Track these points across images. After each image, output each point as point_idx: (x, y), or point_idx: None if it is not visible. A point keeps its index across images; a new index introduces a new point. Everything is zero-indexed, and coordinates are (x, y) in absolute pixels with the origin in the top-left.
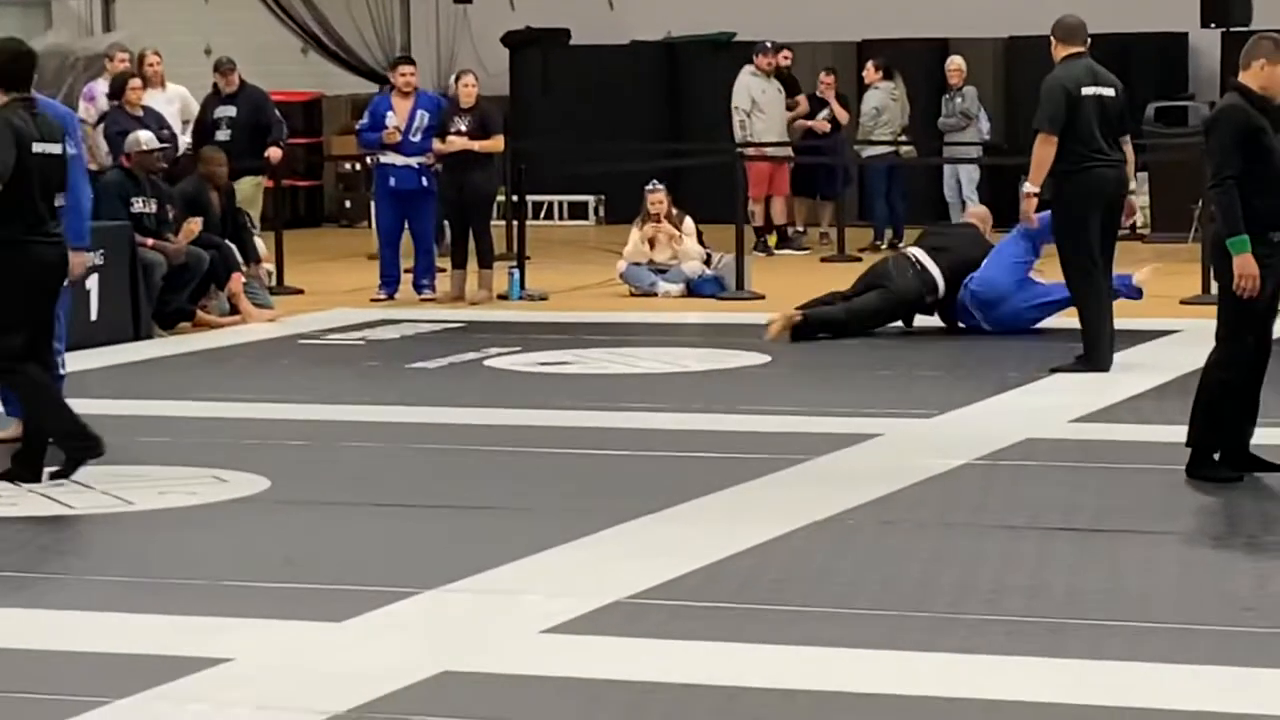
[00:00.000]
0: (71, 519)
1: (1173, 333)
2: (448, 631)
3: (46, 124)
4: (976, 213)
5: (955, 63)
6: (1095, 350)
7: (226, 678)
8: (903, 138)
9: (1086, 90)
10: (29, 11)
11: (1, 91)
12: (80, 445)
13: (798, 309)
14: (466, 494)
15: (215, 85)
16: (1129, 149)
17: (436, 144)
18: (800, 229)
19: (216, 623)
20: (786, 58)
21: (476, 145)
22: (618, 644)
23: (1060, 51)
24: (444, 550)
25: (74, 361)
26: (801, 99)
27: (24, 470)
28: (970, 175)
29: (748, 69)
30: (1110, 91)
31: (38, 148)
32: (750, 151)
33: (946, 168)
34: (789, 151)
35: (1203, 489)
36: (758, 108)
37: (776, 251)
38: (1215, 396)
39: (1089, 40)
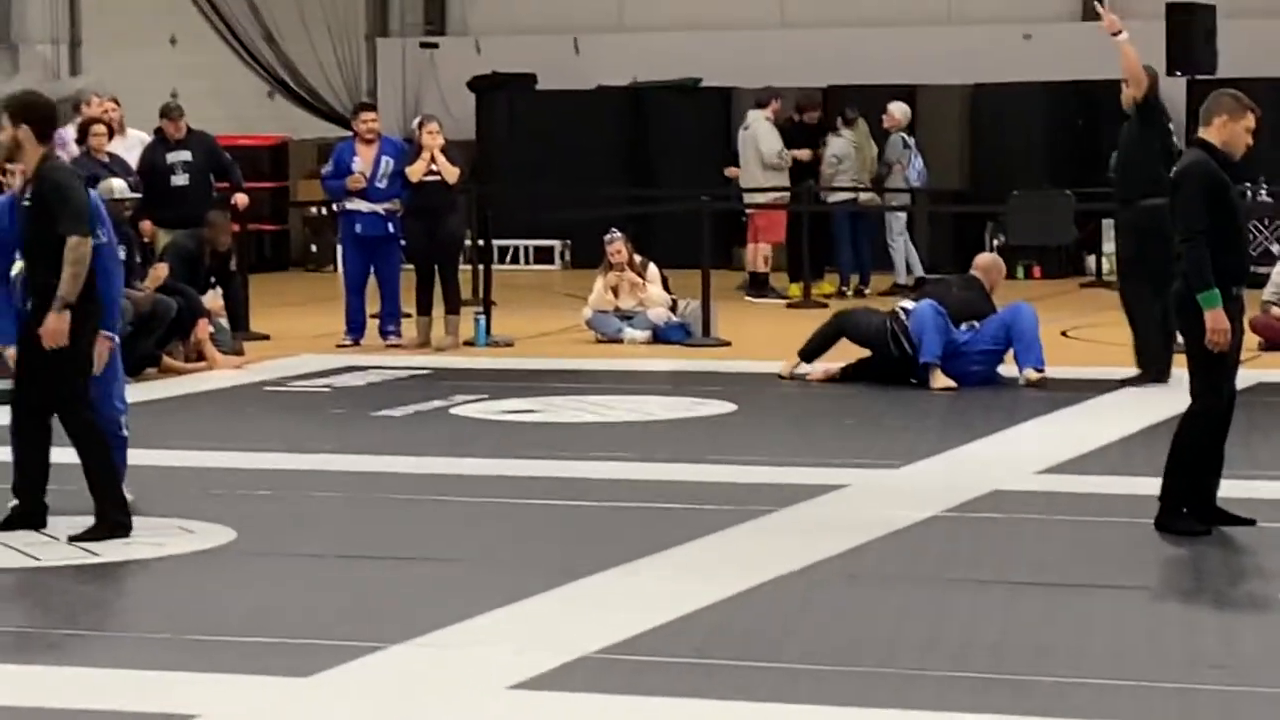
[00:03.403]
0: (37, 571)
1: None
2: (415, 687)
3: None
4: (981, 263)
5: (890, 108)
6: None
7: None
8: (864, 184)
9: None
10: None
11: (35, 143)
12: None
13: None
14: (433, 545)
15: (159, 131)
16: None
17: (410, 171)
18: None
19: (182, 677)
20: (814, 116)
21: (444, 165)
22: (584, 700)
23: None
24: (411, 603)
25: None
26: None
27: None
28: (890, 223)
29: (763, 114)
30: None
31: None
32: (763, 198)
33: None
34: (786, 198)
35: (1170, 542)
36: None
37: (755, 300)
38: (1191, 451)
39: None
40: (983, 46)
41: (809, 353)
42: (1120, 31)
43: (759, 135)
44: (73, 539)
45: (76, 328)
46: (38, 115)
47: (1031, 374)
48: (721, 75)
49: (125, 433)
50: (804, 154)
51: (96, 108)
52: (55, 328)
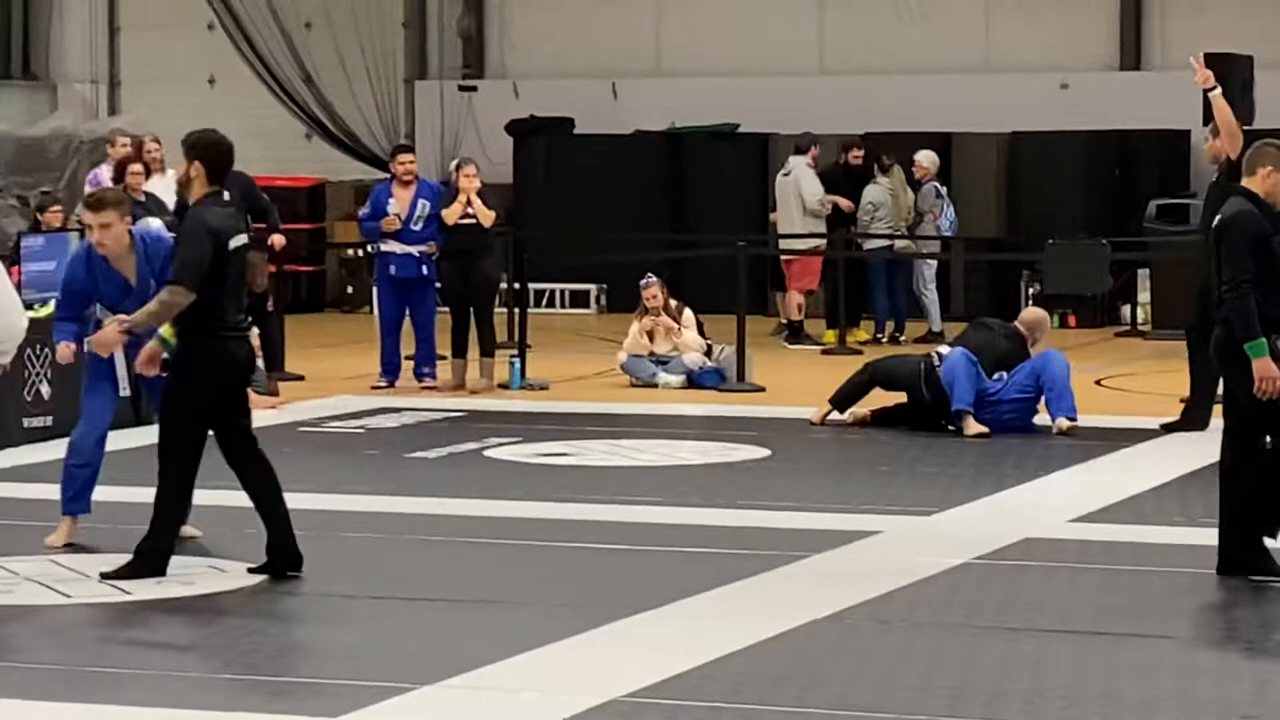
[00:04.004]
0: (67, 608)
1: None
2: None
3: (237, 218)
4: (1027, 319)
5: (917, 158)
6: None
7: None
8: (900, 231)
9: None
10: (34, 94)
11: (205, 182)
12: (152, 561)
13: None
14: (464, 587)
15: None
16: None
17: (446, 214)
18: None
19: (211, 716)
20: (858, 156)
21: (480, 208)
22: None
23: None
24: (441, 645)
25: None
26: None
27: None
28: (921, 271)
29: (804, 160)
30: None
31: (233, 244)
32: (801, 245)
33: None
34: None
35: (1202, 591)
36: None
37: (791, 346)
38: (1251, 498)
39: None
40: (1020, 95)
41: (840, 401)
42: (1215, 87)
43: (801, 181)
44: (105, 575)
45: (187, 371)
46: (212, 155)
47: (1063, 423)
48: (759, 121)
49: None
50: (846, 203)
51: (121, 147)
52: (102, 339)
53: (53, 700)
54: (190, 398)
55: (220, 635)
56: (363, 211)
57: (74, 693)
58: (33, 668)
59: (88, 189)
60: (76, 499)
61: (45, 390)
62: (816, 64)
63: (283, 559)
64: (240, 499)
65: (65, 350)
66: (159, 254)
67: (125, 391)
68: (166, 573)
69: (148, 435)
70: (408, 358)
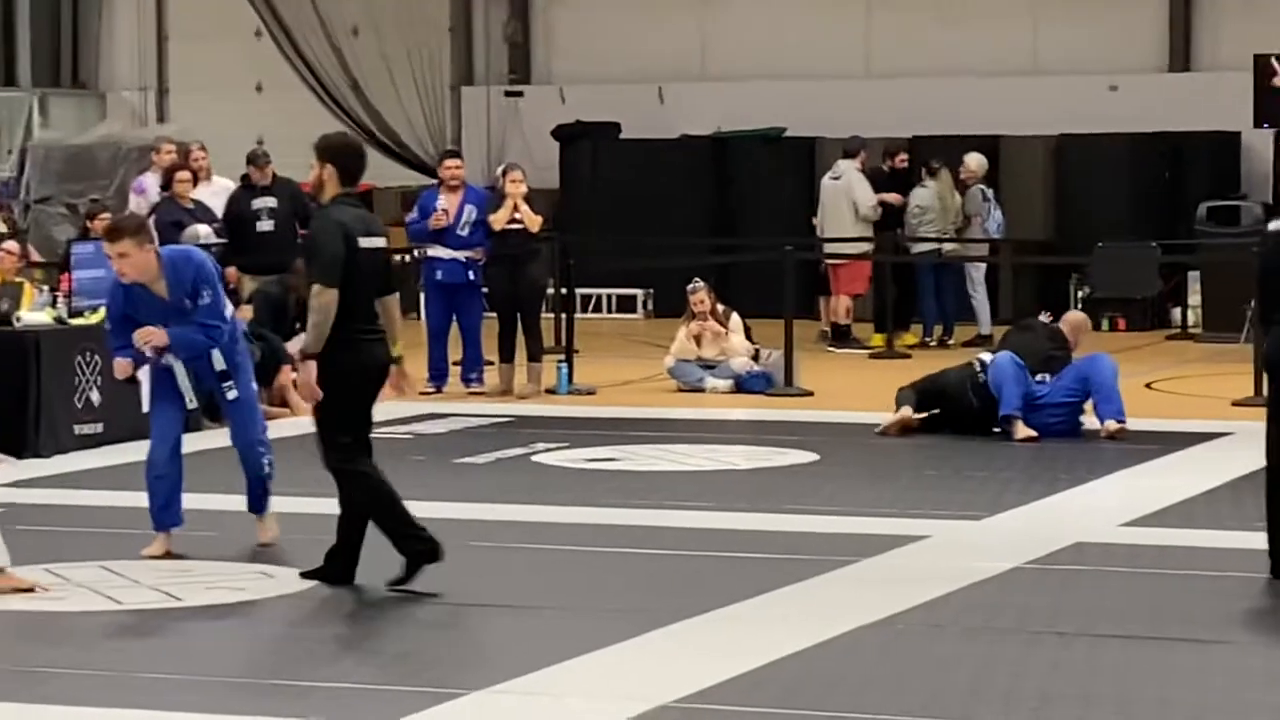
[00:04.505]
0: (119, 614)
1: (1224, 435)
2: None
3: (370, 219)
4: (1071, 320)
5: (965, 160)
6: None
7: None
8: (948, 235)
9: None
10: (84, 102)
11: (337, 184)
12: (420, 549)
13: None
14: (513, 593)
15: (245, 178)
16: None
17: (493, 219)
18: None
19: None
20: (903, 160)
21: (527, 214)
22: None
23: None
24: (489, 650)
25: (125, 453)
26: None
27: (334, 570)
28: (970, 274)
29: (854, 164)
30: None
31: (364, 242)
32: (849, 249)
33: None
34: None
35: (1253, 597)
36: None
37: (837, 350)
38: None
39: None
40: (1068, 97)
41: (915, 407)
42: None
43: (854, 186)
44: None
45: (323, 380)
46: (343, 158)
47: (1112, 425)
48: (805, 125)
49: (268, 471)
50: (896, 198)
51: (166, 155)
52: (301, 380)
53: (101, 706)
54: (334, 405)
55: (269, 641)
56: (410, 216)
57: (121, 699)
58: (82, 674)
59: (133, 197)
60: (163, 511)
61: (95, 397)
62: (863, 67)
63: (339, 572)
64: (286, 504)
65: (124, 365)
66: (187, 271)
67: (192, 404)
68: (438, 552)
69: (192, 442)
70: (455, 363)
